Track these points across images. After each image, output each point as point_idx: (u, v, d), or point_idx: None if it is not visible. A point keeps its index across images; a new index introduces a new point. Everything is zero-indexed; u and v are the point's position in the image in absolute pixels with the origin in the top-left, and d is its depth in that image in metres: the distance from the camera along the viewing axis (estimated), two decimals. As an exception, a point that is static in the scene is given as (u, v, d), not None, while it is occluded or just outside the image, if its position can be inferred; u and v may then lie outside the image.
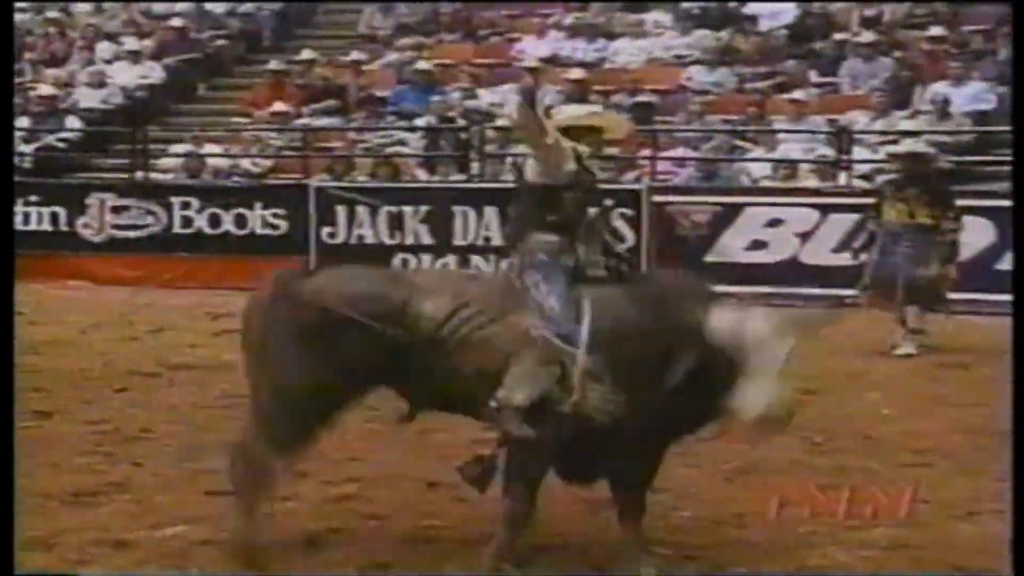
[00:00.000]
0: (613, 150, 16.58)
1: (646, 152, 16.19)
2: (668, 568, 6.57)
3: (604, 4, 19.62)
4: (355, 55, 18.96)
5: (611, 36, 18.92)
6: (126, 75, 19.61)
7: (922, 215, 11.89)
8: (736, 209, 14.60)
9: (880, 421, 9.62)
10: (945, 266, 11.93)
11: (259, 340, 6.44)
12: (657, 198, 14.91)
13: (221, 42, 20.67)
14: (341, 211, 15.72)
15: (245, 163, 17.40)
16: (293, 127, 17.83)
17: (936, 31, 17.44)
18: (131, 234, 16.36)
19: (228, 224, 16.07)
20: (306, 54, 19.14)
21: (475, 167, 16.53)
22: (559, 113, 6.99)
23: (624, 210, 14.68)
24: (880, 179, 13.53)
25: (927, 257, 11.87)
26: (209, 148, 17.65)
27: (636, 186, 15.30)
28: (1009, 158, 15.84)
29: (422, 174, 16.72)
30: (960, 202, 12.86)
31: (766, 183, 15.43)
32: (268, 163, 17.43)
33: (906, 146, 12.89)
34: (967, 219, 12.88)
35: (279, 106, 17.98)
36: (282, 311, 6.37)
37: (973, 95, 16.36)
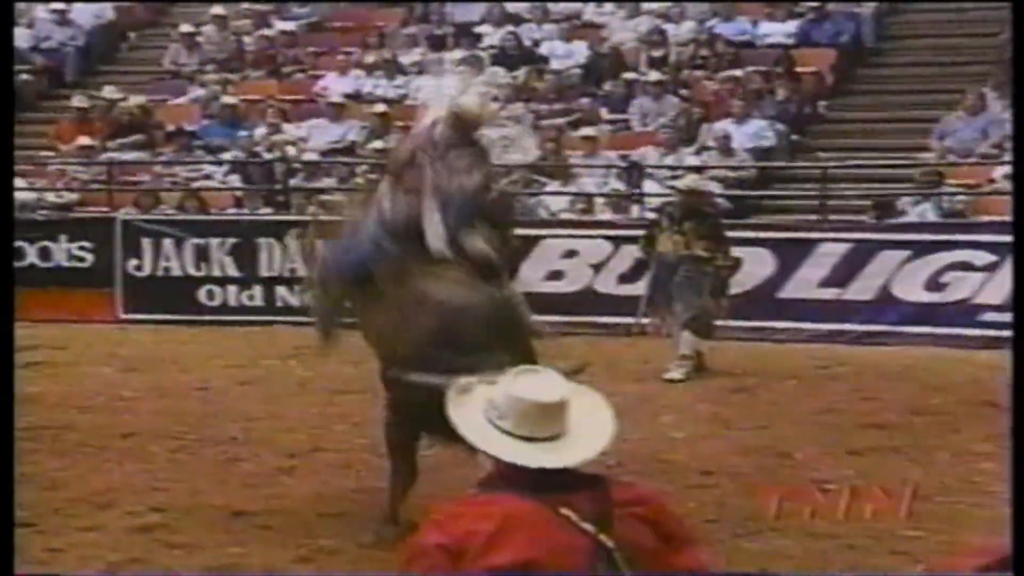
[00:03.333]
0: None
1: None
2: None
3: (405, 43, 19.66)
4: (160, 90, 18.74)
5: (410, 73, 18.97)
6: (-72, 109, 19.05)
7: (698, 247, 12.11)
8: (534, 241, 14.71)
9: (670, 444, 9.76)
10: (717, 297, 12.16)
11: None
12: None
13: (25, 77, 20.18)
14: (147, 243, 15.44)
15: (50, 196, 17.03)
16: (99, 160, 17.51)
17: (721, 72, 17.84)
18: (-66, 267, 15.86)
19: (33, 256, 15.67)
20: (108, 91, 18.80)
21: (281, 200, 16.48)
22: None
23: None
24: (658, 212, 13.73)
25: (701, 287, 12.08)
26: (14, 181, 17.21)
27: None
28: (789, 192, 16.34)
29: (229, 207, 16.58)
30: (742, 234, 13.20)
31: (563, 216, 15.59)
32: (74, 196, 17.08)
33: (687, 182, 13.11)
34: (751, 250, 13.22)
35: (84, 140, 17.65)
36: None
37: (754, 132, 16.76)
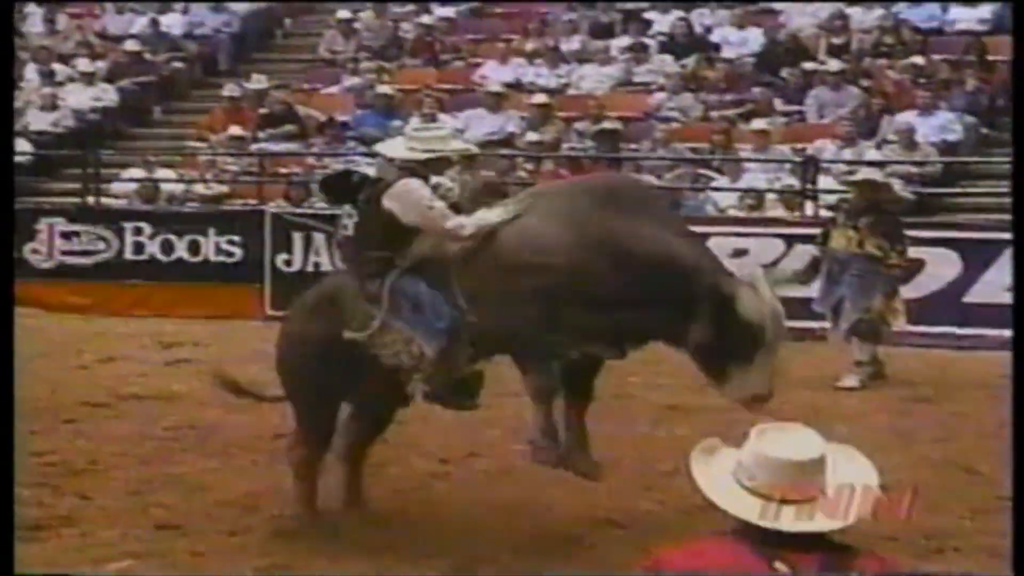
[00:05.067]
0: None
1: (610, 180, 16.20)
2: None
3: (567, 29, 19.66)
4: (314, 79, 18.97)
5: (575, 62, 18.97)
6: (79, 97, 19.53)
7: (871, 245, 11.89)
8: (701, 238, 14.59)
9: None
10: (889, 299, 11.91)
11: None
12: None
13: (177, 65, 20.61)
14: (297, 238, 15.64)
15: (199, 188, 17.34)
16: (249, 152, 17.79)
17: (906, 61, 17.56)
18: (82, 260, 16.24)
19: (181, 250, 15.98)
20: (256, 80, 19.06)
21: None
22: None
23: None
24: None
25: (872, 288, 11.86)
26: (163, 173, 17.59)
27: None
28: (978, 190, 16.01)
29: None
30: (926, 234, 12.93)
31: (731, 213, 15.46)
32: (223, 188, 17.37)
33: (864, 174, 12.91)
34: (935, 251, 12.97)
35: (235, 130, 17.94)
36: None
37: (940, 125, 16.46)
